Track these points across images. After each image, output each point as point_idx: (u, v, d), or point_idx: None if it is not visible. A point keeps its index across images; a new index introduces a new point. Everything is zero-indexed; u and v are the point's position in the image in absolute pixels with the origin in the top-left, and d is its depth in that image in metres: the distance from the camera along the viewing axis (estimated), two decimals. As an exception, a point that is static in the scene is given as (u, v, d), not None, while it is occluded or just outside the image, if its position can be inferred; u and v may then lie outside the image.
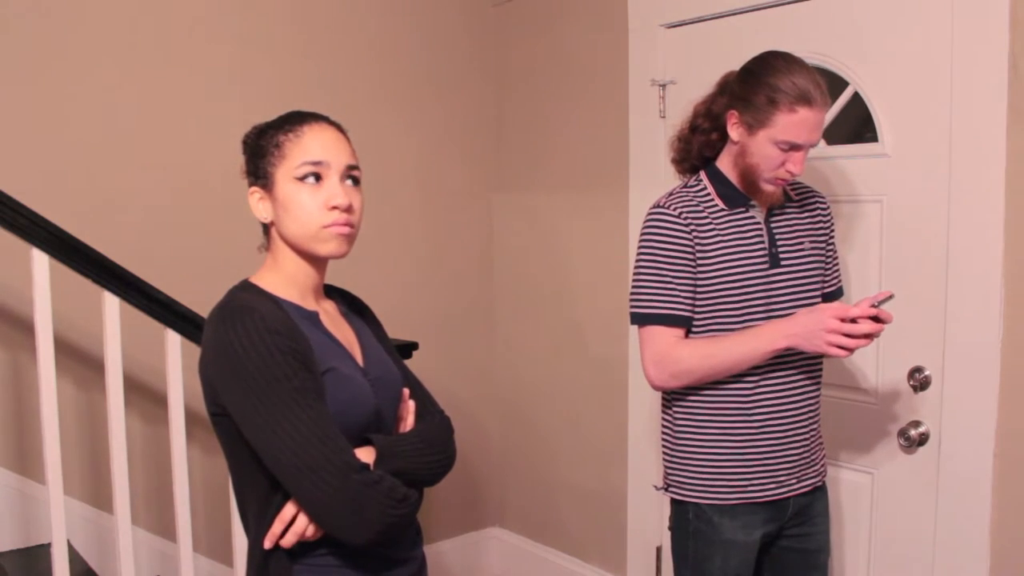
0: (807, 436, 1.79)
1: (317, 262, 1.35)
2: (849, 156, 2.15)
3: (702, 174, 1.80)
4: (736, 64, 1.77)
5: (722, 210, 1.75)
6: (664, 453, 1.86)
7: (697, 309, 1.74)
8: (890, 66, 2.05)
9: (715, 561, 1.76)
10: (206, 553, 2.60)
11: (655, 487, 2.03)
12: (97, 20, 2.40)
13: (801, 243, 1.79)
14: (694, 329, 1.75)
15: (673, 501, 1.84)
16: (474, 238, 3.20)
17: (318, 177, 1.29)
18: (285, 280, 1.33)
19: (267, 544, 1.25)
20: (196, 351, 1.35)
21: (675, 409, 1.81)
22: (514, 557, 3.25)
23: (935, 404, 2.00)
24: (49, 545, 1.86)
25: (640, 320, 1.76)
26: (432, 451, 1.35)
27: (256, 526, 1.29)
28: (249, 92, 2.63)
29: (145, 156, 2.49)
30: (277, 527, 1.25)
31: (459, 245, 3.16)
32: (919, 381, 2.02)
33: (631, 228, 2.68)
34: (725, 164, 1.78)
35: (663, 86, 2.56)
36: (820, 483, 1.85)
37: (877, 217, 2.09)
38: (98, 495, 2.41)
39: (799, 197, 1.85)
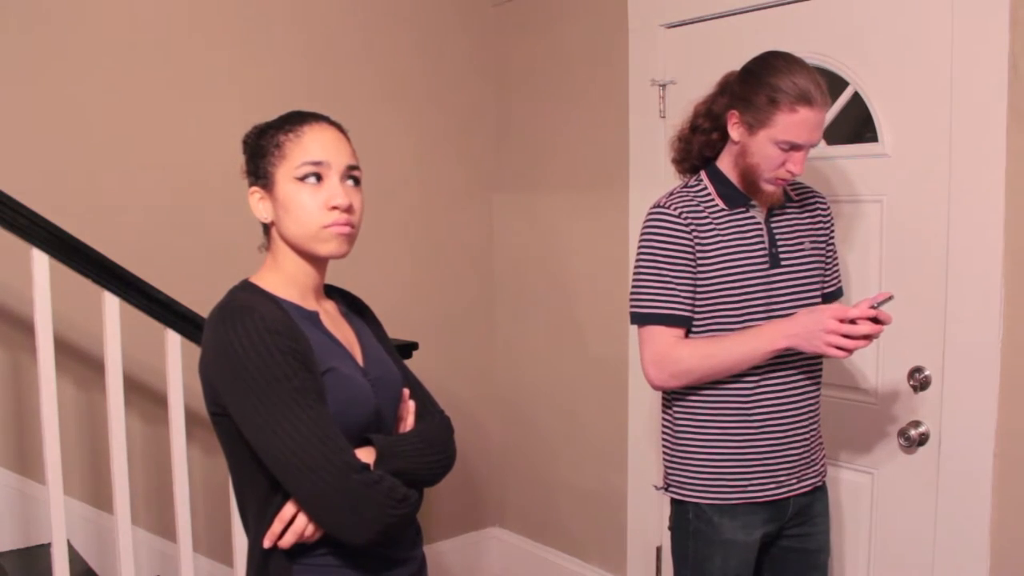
0: (807, 436, 1.79)
1: (317, 262, 1.35)
2: (849, 156, 2.14)
3: (702, 174, 1.80)
4: (736, 64, 1.77)
5: (722, 210, 1.75)
6: (664, 453, 1.86)
7: (697, 309, 1.74)
8: (890, 66, 2.05)
9: (715, 561, 1.76)
10: (206, 553, 2.59)
11: (655, 487, 2.03)
12: (97, 20, 2.40)
13: (801, 243, 1.79)
14: (694, 329, 1.75)
15: (673, 501, 1.84)
16: (474, 238, 3.19)
17: (318, 177, 1.29)
18: (285, 280, 1.33)
19: (266, 544, 1.25)
20: (196, 351, 1.36)
21: (675, 409, 1.81)
22: (514, 557, 3.25)
23: (935, 404, 2.00)
24: (49, 545, 1.86)
25: (640, 320, 1.76)
26: (432, 451, 1.35)
27: (256, 526, 1.29)
28: (249, 92, 2.63)
29: (145, 156, 2.49)
30: (276, 527, 1.25)
31: (459, 245, 3.16)
32: (919, 381, 2.02)
33: (631, 228, 2.67)
34: (725, 164, 1.78)
35: (663, 86, 2.56)
36: (820, 483, 1.85)
37: (877, 217, 2.09)
38: (98, 495, 2.41)
39: (799, 197, 1.85)
